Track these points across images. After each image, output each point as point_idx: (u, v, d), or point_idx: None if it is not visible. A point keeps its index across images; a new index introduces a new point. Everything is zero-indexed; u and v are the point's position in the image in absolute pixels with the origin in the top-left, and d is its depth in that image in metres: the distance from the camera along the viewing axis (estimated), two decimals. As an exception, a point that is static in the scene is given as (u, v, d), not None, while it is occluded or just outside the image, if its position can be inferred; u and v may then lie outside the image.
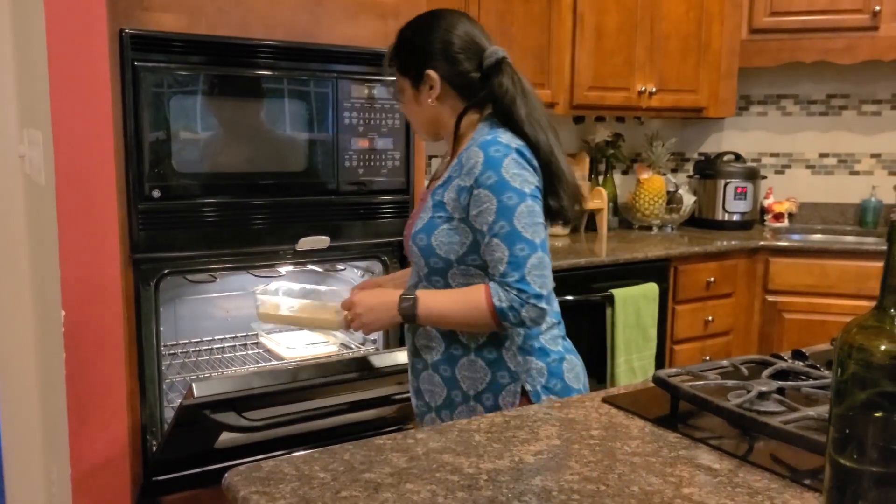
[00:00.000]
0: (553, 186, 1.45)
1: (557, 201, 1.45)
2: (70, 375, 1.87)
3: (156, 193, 1.96)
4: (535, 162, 1.43)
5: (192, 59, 1.97)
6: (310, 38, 2.15)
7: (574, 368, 1.54)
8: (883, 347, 0.79)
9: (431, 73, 1.48)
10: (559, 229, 3.39)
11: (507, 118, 1.46)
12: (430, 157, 2.99)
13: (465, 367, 1.48)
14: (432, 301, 1.43)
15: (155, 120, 1.94)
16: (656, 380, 1.24)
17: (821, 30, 3.36)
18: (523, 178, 1.38)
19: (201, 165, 2.02)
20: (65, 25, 1.78)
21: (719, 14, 3.46)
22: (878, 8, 3.25)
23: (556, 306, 1.52)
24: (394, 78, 1.57)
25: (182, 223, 2.01)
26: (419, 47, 1.49)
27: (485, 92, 1.48)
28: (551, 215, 1.46)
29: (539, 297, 1.37)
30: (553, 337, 1.52)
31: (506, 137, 1.42)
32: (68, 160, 1.83)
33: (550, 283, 1.40)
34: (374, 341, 2.39)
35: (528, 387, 1.47)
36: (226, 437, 2.05)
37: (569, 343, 1.57)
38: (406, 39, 1.52)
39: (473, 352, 1.47)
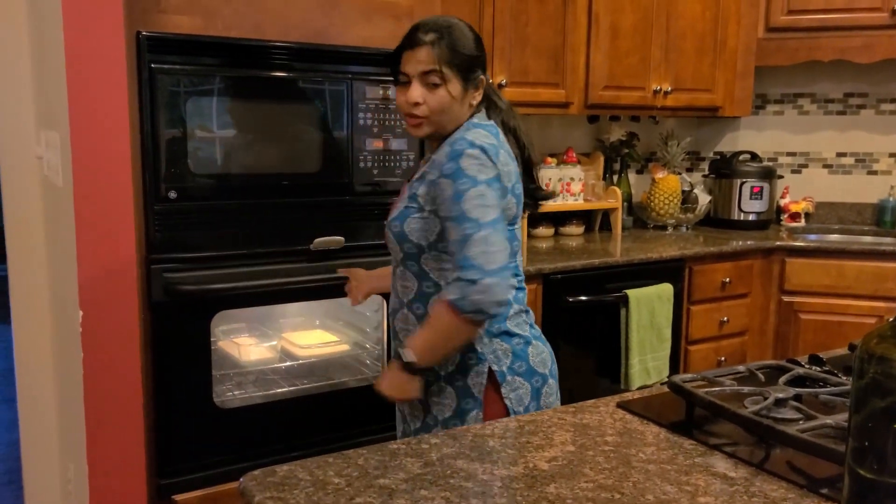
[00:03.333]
0: (528, 169, 1.65)
1: (532, 183, 1.67)
2: (87, 375, 1.89)
3: (172, 194, 1.97)
4: (498, 160, 1.51)
5: (208, 60, 1.98)
6: (324, 39, 2.15)
7: (541, 354, 1.61)
8: (903, 359, 0.78)
9: (483, 78, 1.58)
10: (573, 228, 3.38)
11: (489, 113, 1.61)
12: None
13: None
14: (415, 344, 1.49)
15: (171, 121, 1.95)
16: (671, 385, 1.24)
17: (838, 28, 3.33)
18: (479, 167, 1.46)
19: (217, 166, 2.03)
20: (82, 28, 1.80)
21: (736, 13, 3.43)
22: (897, 6, 3.21)
23: (521, 296, 1.62)
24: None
25: (198, 224, 2.02)
26: (479, 54, 1.58)
27: (485, 95, 1.61)
28: (531, 198, 1.66)
29: (478, 269, 1.38)
30: (519, 322, 1.60)
31: (472, 135, 1.50)
32: (85, 162, 1.84)
33: (500, 260, 1.40)
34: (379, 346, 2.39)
35: (494, 367, 1.54)
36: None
37: (537, 331, 1.65)
38: (471, 42, 1.56)
39: None
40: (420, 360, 1.47)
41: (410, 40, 1.54)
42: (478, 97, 1.58)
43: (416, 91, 1.52)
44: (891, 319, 0.81)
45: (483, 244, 1.40)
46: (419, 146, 2.31)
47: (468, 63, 1.55)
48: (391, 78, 2.20)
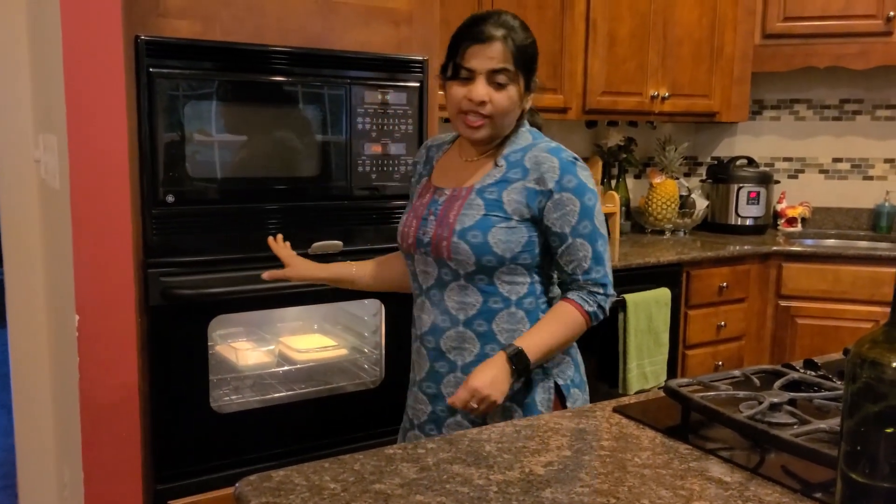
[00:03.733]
0: None
1: None
2: (83, 380, 1.89)
3: (170, 198, 1.97)
4: None
5: (207, 65, 1.99)
6: (323, 44, 2.16)
7: (582, 362, 1.60)
8: (895, 364, 0.78)
9: (537, 81, 1.52)
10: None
11: (533, 125, 1.56)
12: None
13: None
14: (536, 343, 1.42)
15: (169, 125, 1.95)
16: (667, 390, 1.24)
17: (834, 35, 3.35)
18: (592, 180, 1.48)
19: (215, 170, 2.04)
20: (81, 31, 1.80)
21: (732, 19, 3.44)
22: (892, 13, 3.23)
23: None
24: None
25: (195, 228, 2.02)
26: (536, 55, 1.50)
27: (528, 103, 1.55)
28: None
29: (611, 284, 1.49)
30: None
31: (561, 146, 1.49)
32: (83, 165, 1.84)
33: None
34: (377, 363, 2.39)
35: (559, 381, 1.51)
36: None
37: None
38: (533, 43, 1.48)
39: None
40: (534, 361, 1.41)
41: (479, 34, 1.42)
42: (530, 102, 1.52)
43: (483, 88, 1.42)
44: (883, 325, 0.82)
45: (609, 260, 1.49)
46: (418, 150, 2.31)
47: (531, 64, 1.48)
48: (390, 82, 2.26)
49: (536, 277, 1.49)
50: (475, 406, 1.38)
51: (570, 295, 1.47)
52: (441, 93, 1.52)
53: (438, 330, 1.50)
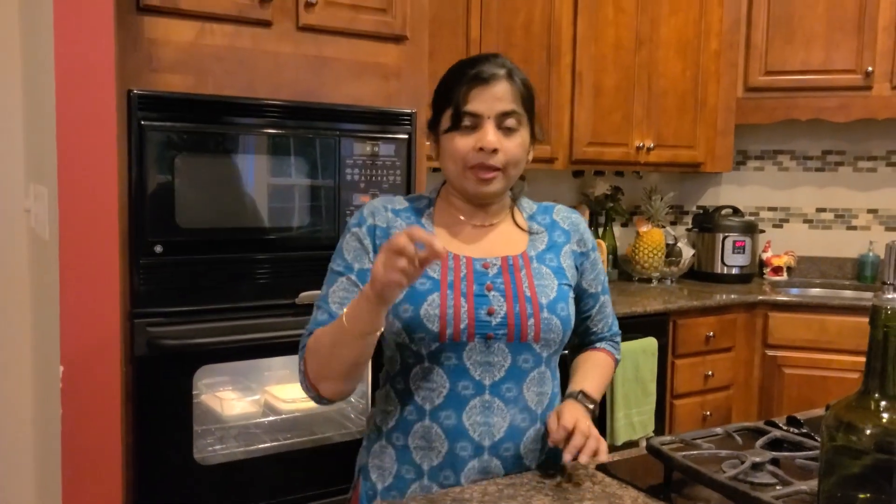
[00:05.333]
0: None
1: None
2: (66, 432, 1.87)
3: (158, 248, 1.99)
4: None
5: (198, 118, 2.02)
6: (314, 97, 2.20)
7: None
8: (868, 431, 0.80)
9: (540, 128, 1.36)
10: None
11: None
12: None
13: None
14: (594, 390, 1.33)
15: (159, 176, 1.97)
16: (650, 448, 1.25)
17: (815, 89, 3.43)
18: None
19: (204, 221, 2.05)
20: (74, 85, 1.83)
21: (715, 73, 3.53)
22: (870, 69, 3.31)
23: None
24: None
25: (183, 277, 2.03)
26: (535, 97, 1.34)
27: None
28: None
29: None
30: None
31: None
32: (73, 216, 1.85)
33: None
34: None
35: None
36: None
37: None
38: (532, 89, 1.32)
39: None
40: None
41: (480, 75, 1.23)
42: (531, 154, 1.33)
43: (493, 134, 1.22)
44: (857, 392, 0.84)
45: None
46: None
47: (533, 107, 1.30)
48: (379, 134, 2.29)
49: None
50: (593, 444, 1.16)
51: (602, 345, 1.46)
52: (429, 143, 1.33)
53: (518, 433, 1.25)
